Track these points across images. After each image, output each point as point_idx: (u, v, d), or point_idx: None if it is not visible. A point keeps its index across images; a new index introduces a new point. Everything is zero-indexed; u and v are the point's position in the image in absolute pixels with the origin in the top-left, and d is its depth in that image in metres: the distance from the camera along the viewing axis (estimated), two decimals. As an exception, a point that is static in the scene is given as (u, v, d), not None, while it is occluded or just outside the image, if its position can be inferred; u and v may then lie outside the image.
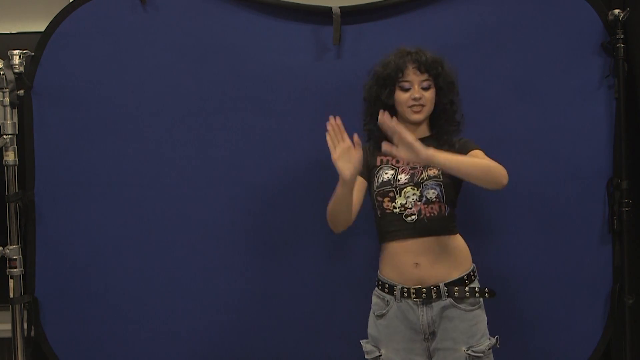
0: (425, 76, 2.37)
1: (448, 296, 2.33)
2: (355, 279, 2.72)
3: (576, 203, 2.75)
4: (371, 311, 2.45)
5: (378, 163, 2.43)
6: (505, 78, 2.75)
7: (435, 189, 2.35)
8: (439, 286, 2.32)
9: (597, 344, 2.76)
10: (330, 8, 2.75)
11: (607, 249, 2.75)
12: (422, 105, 2.38)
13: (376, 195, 2.40)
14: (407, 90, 2.38)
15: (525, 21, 2.75)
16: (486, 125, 2.71)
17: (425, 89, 2.38)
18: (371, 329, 2.44)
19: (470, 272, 2.38)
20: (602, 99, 2.74)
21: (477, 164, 2.24)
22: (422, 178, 2.35)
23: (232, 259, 2.78)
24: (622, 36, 2.68)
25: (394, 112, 2.42)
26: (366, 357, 2.44)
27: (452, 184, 2.37)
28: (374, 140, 2.46)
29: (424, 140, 2.41)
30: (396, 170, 2.39)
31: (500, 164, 2.28)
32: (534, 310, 2.77)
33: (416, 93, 2.37)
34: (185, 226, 2.76)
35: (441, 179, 2.35)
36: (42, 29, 2.78)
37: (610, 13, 2.69)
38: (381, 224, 2.41)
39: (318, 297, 2.79)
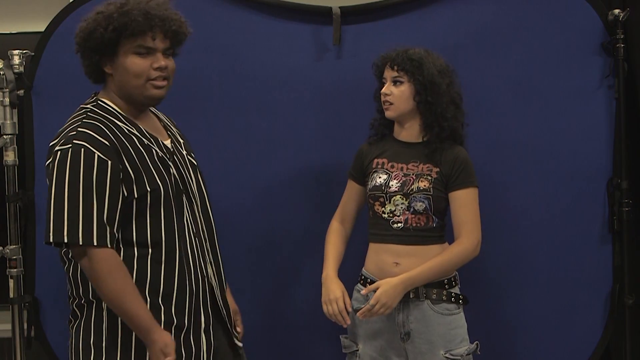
0: (395, 72, 2.37)
1: (426, 297, 2.33)
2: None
3: (576, 203, 2.74)
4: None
5: (374, 165, 2.44)
6: (505, 78, 2.75)
7: (423, 202, 2.33)
8: (417, 286, 2.33)
9: (597, 344, 2.76)
10: (330, 8, 2.75)
11: (607, 249, 2.75)
12: (390, 103, 2.37)
13: (369, 197, 2.42)
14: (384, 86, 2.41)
15: (525, 21, 2.75)
16: (486, 126, 2.71)
17: (396, 84, 2.36)
18: (350, 325, 2.43)
19: (451, 278, 2.38)
20: (602, 99, 2.73)
21: (449, 264, 2.32)
22: (412, 189, 2.34)
23: (232, 258, 2.78)
24: (622, 36, 2.67)
25: None
26: (344, 351, 2.47)
27: (444, 197, 2.36)
28: (374, 131, 2.48)
29: (414, 146, 2.41)
30: (389, 175, 2.39)
31: (479, 219, 2.36)
32: (534, 310, 2.77)
33: (385, 89, 2.38)
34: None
35: (431, 192, 2.34)
36: (42, 29, 2.78)
37: (610, 13, 2.69)
38: (370, 223, 2.44)
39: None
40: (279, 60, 2.79)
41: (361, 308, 2.36)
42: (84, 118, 1.97)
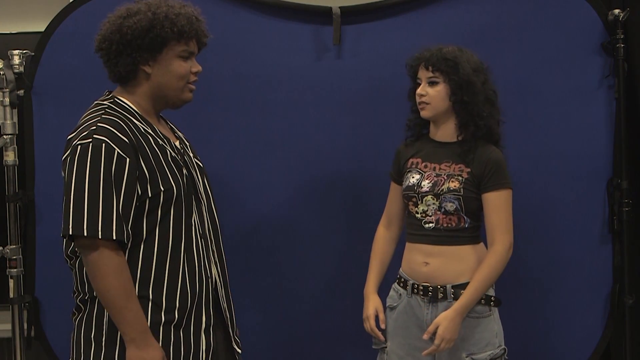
0: (430, 73, 2.33)
1: (454, 298, 2.30)
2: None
3: (576, 203, 2.75)
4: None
5: (409, 165, 2.42)
6: (505, 78, 2.73)
7: (453, 202, 2.30)
8: (445, 287, 2.31)
9: (597, 344, 2.76)
10: (330, 8, 2.75)
11: (607, 249, 2.75)
12: (426, 103, 2.34)
13: (403, 197, 2.41)
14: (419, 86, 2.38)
15: (525, 21, 2.75)
16: (486, 125, 2.71)
17: (432, 84, 2.33)
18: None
19: None
20: (602, 99, 2.74)
21: (490, 277, 2.29)
22: (442, 190, 2.31)
23: (233, 259, 2.78)
24: (622, 36, 2.68)
25: None
26: (373, 347, 2.46)
27: (475, 197, 2.31)
28: (410, 132, 2.46)
29: (448, 146, 2.38)
30: (422, 175, 2.37)
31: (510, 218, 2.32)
32: (534, 310, 2.78)
33: (420, 89, 2.35)
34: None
35: (461, 193, 2.30)
36: (42, 29, 2.78)
37: (610, 13, 2.69)
38: (407, 223, 2.44)
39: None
40: (279, 60, 2.79)
41: (394, 307, 2.40)
42: (102, 114, 1.98)
